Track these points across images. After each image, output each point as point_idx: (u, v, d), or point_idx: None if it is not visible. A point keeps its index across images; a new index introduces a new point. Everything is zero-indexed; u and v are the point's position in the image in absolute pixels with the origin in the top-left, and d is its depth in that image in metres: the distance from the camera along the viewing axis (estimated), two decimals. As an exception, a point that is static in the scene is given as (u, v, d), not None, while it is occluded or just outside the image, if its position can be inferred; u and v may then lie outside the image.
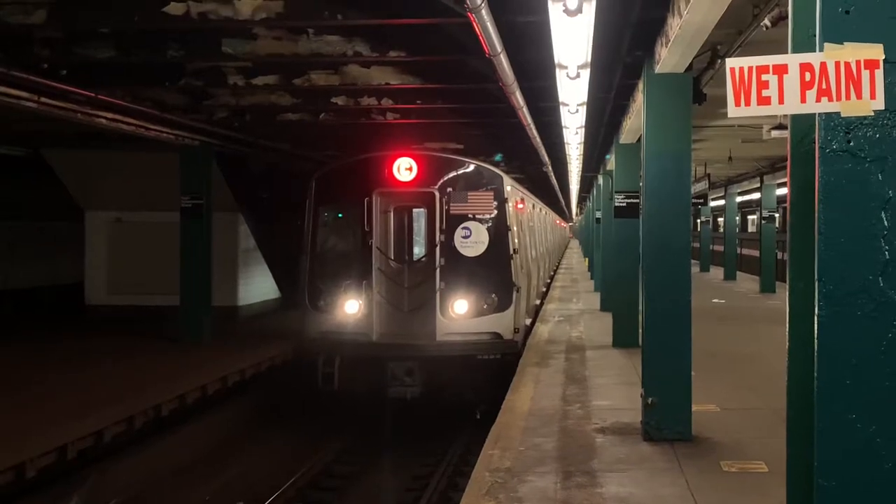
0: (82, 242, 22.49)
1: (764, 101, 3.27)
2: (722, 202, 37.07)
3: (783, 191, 28.48)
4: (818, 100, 3.20)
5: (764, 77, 3.26)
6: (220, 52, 10.63)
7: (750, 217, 51.66)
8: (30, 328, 20.44)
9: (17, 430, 10.69)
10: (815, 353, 3.26)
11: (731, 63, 3.31)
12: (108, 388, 13.25)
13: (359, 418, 13.97)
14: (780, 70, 3.25)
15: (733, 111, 3.32)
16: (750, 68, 3.28)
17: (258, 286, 23.68)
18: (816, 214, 3.23)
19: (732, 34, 8.84)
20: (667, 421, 8.82)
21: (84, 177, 21.50)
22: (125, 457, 11.70)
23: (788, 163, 3.98)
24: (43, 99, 12.06)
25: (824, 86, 3.18)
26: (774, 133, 15.05)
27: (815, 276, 3.23)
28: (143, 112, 14.29)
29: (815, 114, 3.27)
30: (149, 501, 11.17)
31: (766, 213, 28.37)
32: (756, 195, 31.99)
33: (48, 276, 24.42)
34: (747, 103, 3.28)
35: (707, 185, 26.26)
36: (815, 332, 3.25)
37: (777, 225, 29.32)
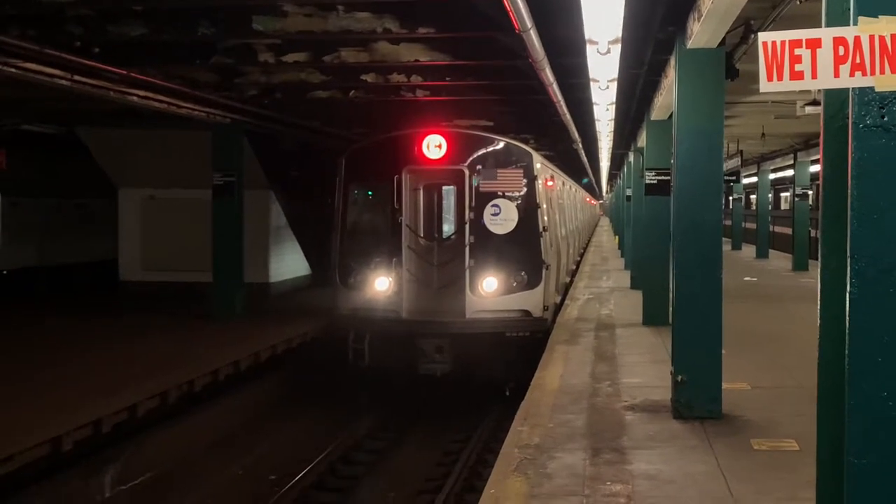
0: (116, 219, 22.73)
1: (797, 75, 3.23)
2: (754, 179, 36.68)
3: (817, 168, 28.17)
4: (852, 74, 3.16)
5: (797, 51, 3.22)
6: (251, 29, 10.65)
7: (783, 194, 51.15)
8: (65, 304, 20.71)
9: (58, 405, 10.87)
10: (847, 331, 3.24)
11: (764, 37, 3.27)
12: (143, 363, 13.43)
13: (389, 394, 14.05)
14: (814, 44, 3.21)
15: (766, 86, 3.29)
16: (783, 42, 3.24)
17: (289, 263, 23.83)
18: (849, 191, 3.20)
19: (766, 8, 8.73)
20: (697, 399, 8.79)
21: (117, 154, 21.70)
22: (164, 428, 11.89)
23: (821, 138, 3.94)
24: (76, 77, 12.17)
25: (858, 60, 3.14)
26: (808, 109, 14.85)
27: (848, 254, 3.20)
28: (175, 90, 14.38)
29: (848, 88, 3.23)
30: (184, 473, 11.32)
31: (799, 191, 28.05)
32: (789, 172, 31.64)
33: (82, 252, 24.70)
34: (780, 78, 3.25)
35: (739, 162, 26.02)
36: (847, 309, 3.23)
37: (810, 202, 29.00)
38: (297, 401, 14.82)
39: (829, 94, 3.82)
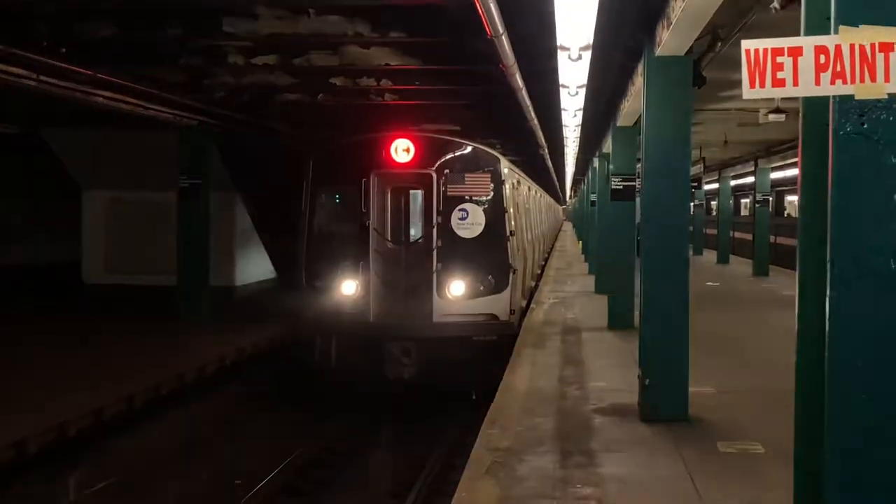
0: (80, 221, 22.45)
1: (779, 83, 3.29)
2: (716, 185, 37.10)
3: (777, 174, 28.57)
4: (832, 82, 3.22)
5: (779, 59, 3.28)
6: (221, 30, 10.60)
7: (743, 200, 51.80)
8: (28, 307, 20.40)
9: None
10: (826, 335, 3.29)
11: (747, 45, 3.33)
12: (109, 368, 13.28)
13: (356, 398, 14.01)
14: (795, 52, 3.27)
15: (748, 93, 3.34)
16: (765, 50, 3.30)
17: (255, 266, 23.69)
18: (829, 196, 3.26)
19: (734, 17, 8.85)
20: (664, 402, 8.88)
21: (82, 156, 21.44)
22: (127, 434, 11.75)
23: (800, 145, 4.00)
24: (42, 77, 12.02)
25: (839, 68, 3.21)
26: (772, 117, 15.04)
27: (828, 258, 3.26)
28: (142, 91, 14.25)
29: (829, 96, 3.30)
30: (147, 480, 11.20)
31: (759, 197, 28.43)
32: (749, 179, 32.05)
33: (45, 254, 24.37)
34: (762, 85, 3.30)
35: (702, 169, 26.31)
36: (827, 313, 3.28)
37: (771, 209, 29.36)
38: (263, 404, 14.72)
39: (810, 101, 3.89)
